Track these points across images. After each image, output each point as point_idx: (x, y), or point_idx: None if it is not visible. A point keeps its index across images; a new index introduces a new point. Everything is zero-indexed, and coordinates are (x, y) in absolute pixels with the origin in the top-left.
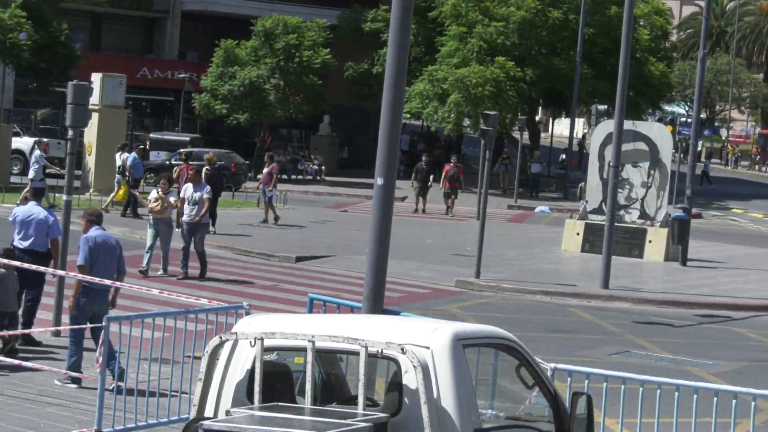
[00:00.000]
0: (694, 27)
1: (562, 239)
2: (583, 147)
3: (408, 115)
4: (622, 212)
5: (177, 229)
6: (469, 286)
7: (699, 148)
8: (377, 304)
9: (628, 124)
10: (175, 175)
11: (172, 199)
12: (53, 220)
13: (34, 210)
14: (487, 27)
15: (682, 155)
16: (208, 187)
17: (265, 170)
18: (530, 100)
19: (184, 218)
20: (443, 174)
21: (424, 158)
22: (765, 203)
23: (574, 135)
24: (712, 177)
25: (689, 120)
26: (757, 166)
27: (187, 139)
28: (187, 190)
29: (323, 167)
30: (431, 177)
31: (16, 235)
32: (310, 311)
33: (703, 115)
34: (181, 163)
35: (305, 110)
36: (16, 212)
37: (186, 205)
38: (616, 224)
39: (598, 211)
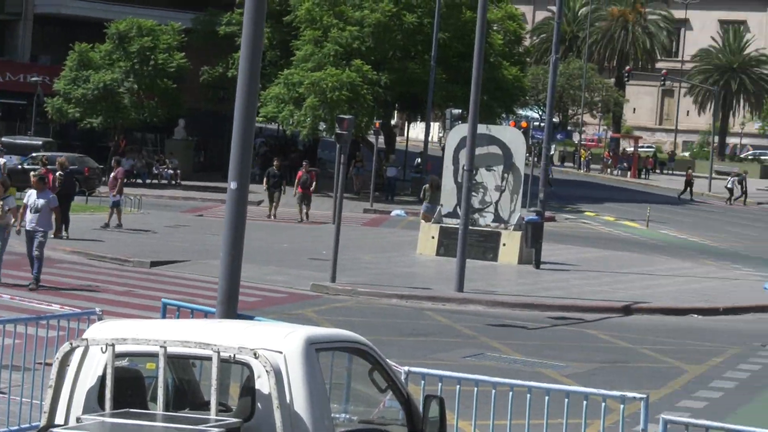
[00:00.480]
0: (547, 32)
1: (418, 243)
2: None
3: (263, 119)
4: (476, 216)
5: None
6: (325, 290)
7: (552, 152)
8: (231, 308)
9: (482, 128)
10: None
11: (7, 207)
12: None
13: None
14: (342, 31)
15: (535, 159)
16: (52, 195)
17: (111, 174)
18: (386, 104)
19: (26, 225)
20: (296, 179)
21: (275, 163)
22: (616, 206)
23: (430, 139)
24: (557, 179)
25: (542, 124)
26: (608, 170)
27: (40, 143)
28: (31, 196)
29: (179, 171)
30: (284, 182)
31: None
32: (164, 316)
33: (556, 119)
34: (39, 166)
35: (160, 114)
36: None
37: (28, 212)
38: (470, 228)
39: (452, 214)
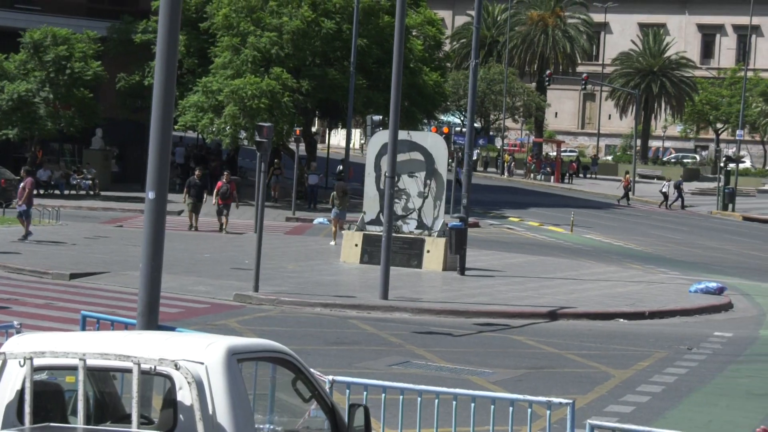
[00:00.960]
0: (467, 37)
1: (341, 251)
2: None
3: (180, 127)
4: (399, 223)
5: None
6: (248, 300)
7: (475, 157)
8: (152, 320)
9: (403, 134)
10: None
11: None
12: None
13: None
14: (260, 38)
15: (457, 166)
16: None
17: (21, 185)
18: (306, 111)
19: None
20: (215, 190)
21: (196, 173)
22: (540, 211)
23: (351, 146)
24: (485, 186)
25: (464, 129)
26: (532, 175)
27: None
28: None
29: (97, 181)
30: (205, 192)
31: None
32: (83, 329)
33: (477, 125)
34: None
35: (77, 123)
36: None
37: None
38: (394, 235)
39: (375, 222)
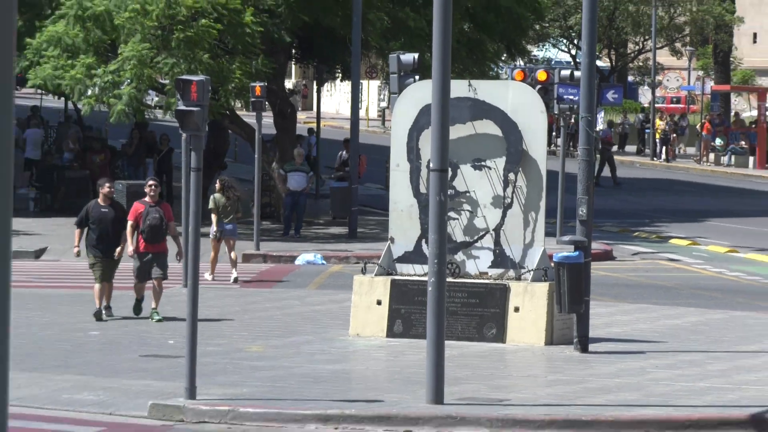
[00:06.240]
0: None
1: (351, 315)
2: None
3: (33, 86)
4: (460, 256)
5: None
6: (177, 414)
7: (599, 126)
8: None
9: (461, 87)
10: None
11: None
12: None
13: None
14: None
15: (570, 143)
16: None
17: None
18: (274, 48)
19: None
20: (129, 220)
21: (102, 191)
22: (730, 225)
23: (363, 114)
24: (624, 179)
25: (577, 73)
26: (712, 155)
27: None
28: None
29: None
30: (123, 232)
31: None
32: None
33: (604, 64)
34: None
35: None
36: None
37: None
38: (450, 280)
39: (413, 256)
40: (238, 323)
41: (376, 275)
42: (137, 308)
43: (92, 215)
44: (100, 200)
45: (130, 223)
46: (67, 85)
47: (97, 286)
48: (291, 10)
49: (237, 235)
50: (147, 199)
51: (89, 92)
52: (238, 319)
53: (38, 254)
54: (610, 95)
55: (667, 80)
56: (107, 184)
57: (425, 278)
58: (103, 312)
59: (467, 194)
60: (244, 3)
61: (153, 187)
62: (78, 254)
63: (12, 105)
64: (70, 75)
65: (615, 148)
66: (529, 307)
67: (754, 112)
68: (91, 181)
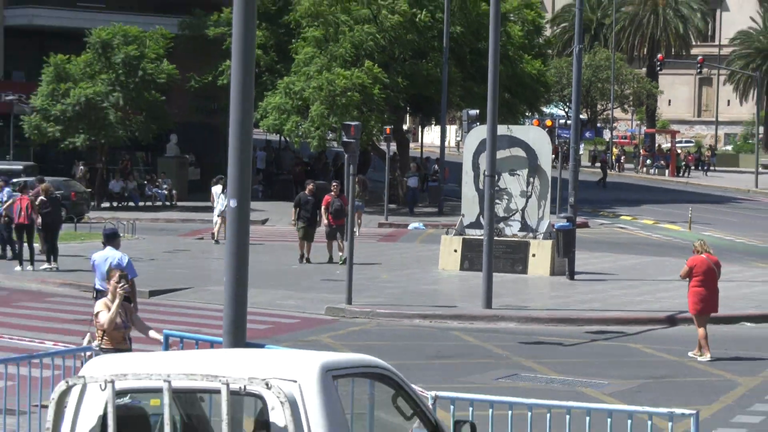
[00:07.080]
0: (569, 20)
1: (439, 257)
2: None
3: (264, 129)
4: (501, 225)
5: None
6: (341, 313)
7: (581, 152)
8: (239, 337)
9: (502, 129)
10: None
11: None
12: (128, 261)
13: (109, 254)
14: (351, 31)
15: (563, 162)
16: None
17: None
18: (397, 108)
19: None
20: (324, 206)
21: (308, 187)
22: (655, 208)
23: (447, 144)
24: (594, 183)
25: (569, 122)
26: (645, 169)
27: (20, 167)
28: None
29: (174, 191)
30: (319, 212)
31: (97, 279)
32: (166, 349)
33: (583, 116)
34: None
35: (153, 129)
36: (93, 257)
37: None
38: (495, 238)
39: (475, 225)
40: (374, 261)
41: (454, 235)
42: (331, 260)
43: (302, 201)
44: (306, 192)
45: (323, 207)
46: (286, 131)
47: (302, 242)
48: (406, 87)
49: (364, 209)
50: (332, 192)
51: (298, 134)
52: (376, 259)
53: (263, 222)
54: (588, 134)
55: (619, 126)
56: (311, 184)
57: (482, 237)
58: (304, 258)
59: (505, 190)
60: (374, 83)
61: (336, 186)
62: (294, 224)
63: (250, 137)
64: (287, 126)
65: (588, 164)
66: (540, 254)
67: (668, 144)
68: (292, 183)
